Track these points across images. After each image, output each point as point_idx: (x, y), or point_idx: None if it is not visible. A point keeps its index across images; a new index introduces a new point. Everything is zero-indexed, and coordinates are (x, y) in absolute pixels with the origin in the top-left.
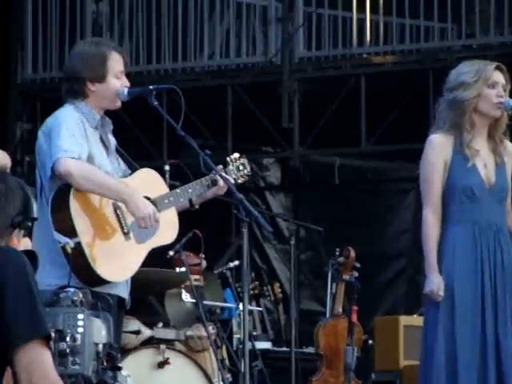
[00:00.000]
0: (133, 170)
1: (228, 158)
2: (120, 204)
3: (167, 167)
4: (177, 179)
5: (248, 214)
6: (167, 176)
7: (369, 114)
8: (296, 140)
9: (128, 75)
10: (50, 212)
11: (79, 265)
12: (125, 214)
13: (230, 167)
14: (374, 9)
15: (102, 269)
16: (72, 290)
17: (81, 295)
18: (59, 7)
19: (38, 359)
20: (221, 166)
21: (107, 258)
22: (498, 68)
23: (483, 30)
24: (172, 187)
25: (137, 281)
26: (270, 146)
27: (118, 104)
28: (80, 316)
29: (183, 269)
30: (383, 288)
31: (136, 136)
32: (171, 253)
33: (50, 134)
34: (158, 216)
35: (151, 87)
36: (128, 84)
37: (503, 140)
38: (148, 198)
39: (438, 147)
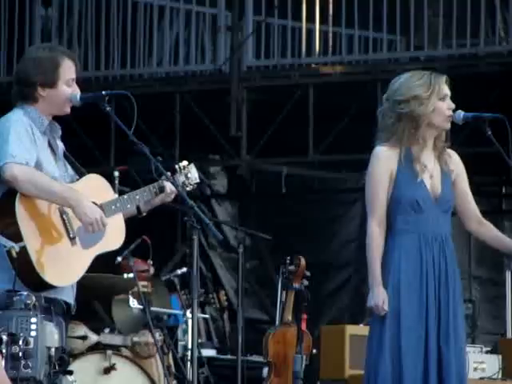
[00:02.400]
0: (80, 175)
1: (176, 166)
2: (66, 209)
3: (116, 173)
4: (126, 185)
5: (199, 221)
6: (116, 182)
7: (316, 123)
8: (244, 148)
9: (76, 81)
10: None
11: (24, 269)
12: (71, 219)
13: (179, 175)
14: (324, 19)
15: (47, 273)
16: (25, 293)
17: (34, 299)
18: (8, 11)
19: None
20: (169, 173)
21: (52, 263)
22: (445, 80)
23: (431, 42)
24: (121, 193)
25: (84, 286)
26: (217, 155)
27: (67, 110)
28: (33, 320)
29: (131, 275)
30: (328, 297)
31: (83, 142)
32: (119, 258)
33: None
34: (106, 221)
35: (104, 92)
36: (78, 92)
37: (445, 148)
38: (95, 204)
39: (384, 160)
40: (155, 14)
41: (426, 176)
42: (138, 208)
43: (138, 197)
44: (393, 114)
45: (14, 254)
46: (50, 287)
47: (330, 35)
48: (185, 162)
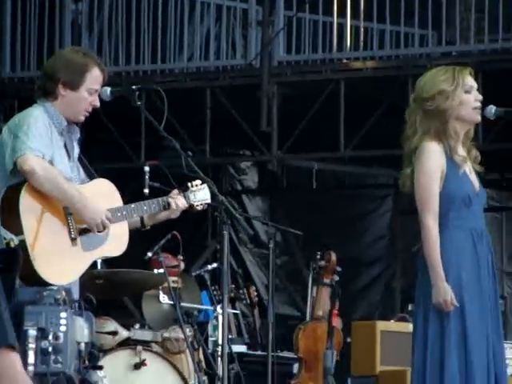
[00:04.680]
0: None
1: (189, 183)
2: (72, 210)
3: (147, 168)
4: (156, 181)
5: (229, 216)
6: (147, 177)
7: (347, 118)
8: (274, 144)
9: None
10: None
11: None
12: (75, 219)
13: (190, 192)
14: (355, 14)
15: (44, 270)
16: (55, 288)
17: (64, 294)
18: (38, 6)
19: (6, 365)
20: (176, 191)
21: (50, 260)
22: (469, 72)
23: (463, 37)
24: (151, 188)
25: (114, 282)
26: (247, 150)
27: (81, 119)
28: (63, 314)
29: (161, 270)
30: (358, 294)
31: (114, 137)
32: (149, 254)
33: (16, 131)
34: (108, 223)
35: (134, 87)
36: (98, 104)
37: (472, 147)
38: None
39: (435, 155)
40: (186, 9)
41: (467, 169)
42: (142, 220)
43: (145, 208)
44: (420, 111)
45: (13, 246)
46: (46, 284)
47: (362, 30)
48: (198, 181)
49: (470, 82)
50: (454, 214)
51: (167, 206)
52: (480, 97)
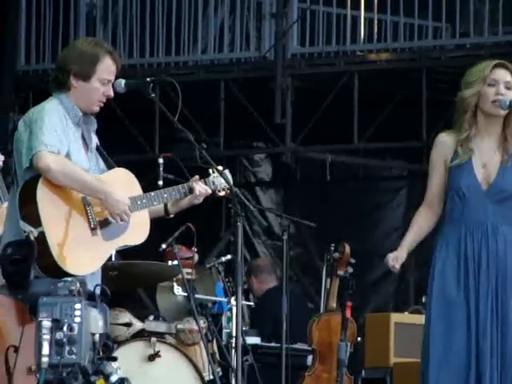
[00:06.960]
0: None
1: (210, 170)
2: (90, 200)
3: (161, 160)
4: (170, 172)
5: (243, 208)
6: (161, 169)
7: (361, 111)
8: (288, 136)
9: (121, 68)
10: (17, 202)
11: (41, 255)
12: (94, 209)
13: (211, 178)
14: (369, 6)
15: (64, 261)
16: (70, 279)
17: (78, 285)
18: None
19: None
20: (197, 177)
21: (70, 251)
22: (501, 66)
23: (477, 29)
24: (165, 180)
25: (128, 273)
26: (261, 142)
27: (96, 109)
28: (77, 306)
29: (175, 262)
30: (373, 285)
31: (128, 129)
32: (164, 246)
33: (31, 125)
34: (129, 213)
35: (148, 79)
36: (112, 95)
37: (506, 140)
38: None
39: (440, 146)
40: (200, 1)
41: (476, 163)
42: (165, 208)
43: (165, 195)
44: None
45: (32, 239)
46: (66, 275)
47: (375, 22)
48: (219, 167)
49: (497, 75)
50: (449, 206)
51: (188, 193)
52: (501, 91)
